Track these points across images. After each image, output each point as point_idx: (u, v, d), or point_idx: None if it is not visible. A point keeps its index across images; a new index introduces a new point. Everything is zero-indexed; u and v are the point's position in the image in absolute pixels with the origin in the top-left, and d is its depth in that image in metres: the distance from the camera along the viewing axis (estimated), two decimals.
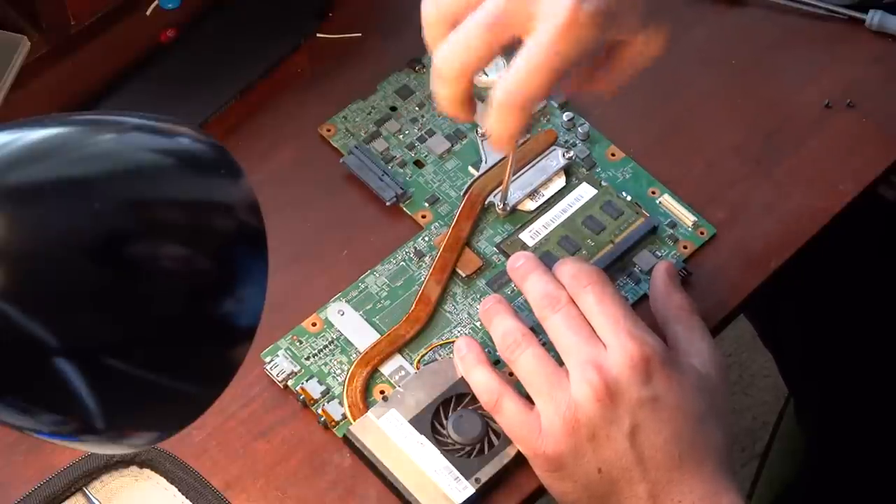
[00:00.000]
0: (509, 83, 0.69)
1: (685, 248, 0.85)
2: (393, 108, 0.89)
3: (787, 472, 1.25)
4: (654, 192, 0.87)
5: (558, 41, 0.68)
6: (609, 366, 0.73)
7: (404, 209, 0.85)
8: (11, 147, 0.52)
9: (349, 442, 0.77)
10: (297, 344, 0.80)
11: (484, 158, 0.86)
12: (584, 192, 0.86)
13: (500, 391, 0.75)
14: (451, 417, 0.77)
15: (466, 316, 0.82)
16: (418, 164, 0.87)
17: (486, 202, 0.85)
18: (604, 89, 0.75)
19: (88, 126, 0.55)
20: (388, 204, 0.85)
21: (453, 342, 0.79)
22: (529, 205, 0.85)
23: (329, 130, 0.88)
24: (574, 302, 0.75)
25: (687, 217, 0.85)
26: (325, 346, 0.80)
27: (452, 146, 0.88)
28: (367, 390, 0.79)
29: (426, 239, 0.84)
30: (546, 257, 0.83)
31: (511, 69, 0.69)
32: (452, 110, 0.73)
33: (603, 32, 0.69)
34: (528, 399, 0.75)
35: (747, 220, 0.86)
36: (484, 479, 0.75)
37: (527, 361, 0.74)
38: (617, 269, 0.83)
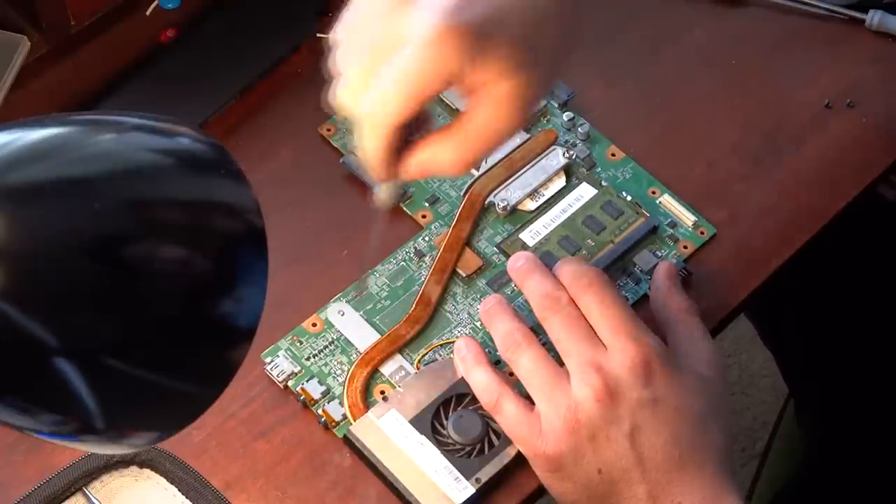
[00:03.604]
0: (368, 101, 0.65)
1: (685, 248, 0.85)
2: None
3: (786, 471, 1.25)
4: (654, 192, 0.87)
5: (418, 58, 0.63)
6: (609, 367, 0.73)
7: (404, 209, 0.85)
8: (11, 147, 0.52)
9: (349, 442, 0.77)
10: (298, 344, 0.80)
11: (484, 158, 0.86)
12: (585, 192, 0.86)
13: (499, 392, 0.75)
14: (451, 417, 0.77)
15: (467, 316, 0.82)
16: None
17: (486, 202, 0.85)
18: (449, 167, 0.68)
19: (88, 126, 0.55)
20: None
21: (453, 342, 0.79)
22: (529, 205, 0.85)
23: (329, 130, 0.88)
24: (574, 303, 0.75)
25: (687, 217, 0.85)
26: (326, 347, 0.80)
27: None
28: (367, 390, 0.79)
29: (426, 239, 0.84)
30: (546, 257, 0.83)
31: (372, 86, 0.65)
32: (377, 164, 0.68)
33: (470, 56, 0.63)
34: (529, 399, 0.75)
35: (747, 220, 0.86)
36: (484, 479, 0.75)
37: (527, 362, 0.74)
38: (617, 269, 0.83)
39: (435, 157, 0.67)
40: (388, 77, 0.65)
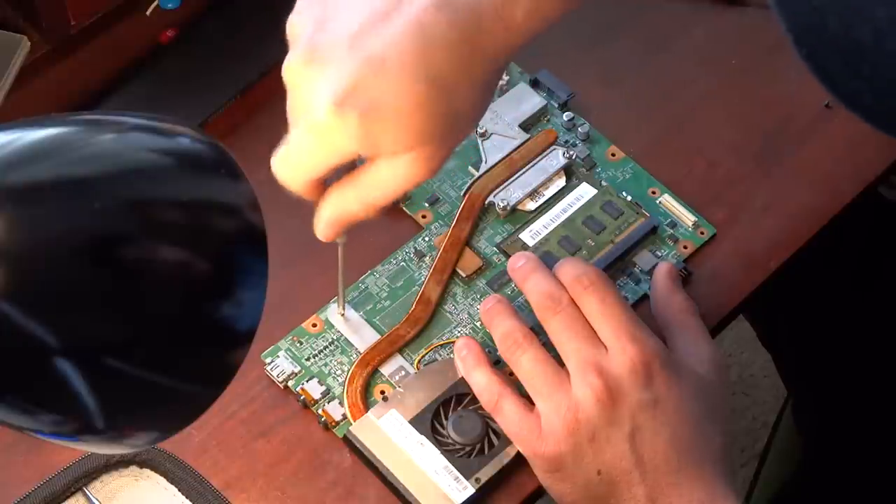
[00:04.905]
0: (274, 159, 0.68)
1: (685, 248, 0.85)
2: None
3: (784, 472, 1.25)
4: (654, 192, 0.87)
5: (308, 140, 0.66)
6: (610, 368, 0.73)
7: (404, 209, 0.85)
8: (11, 147, 0.52)
9: (349, 442, 0.77)
10: (298, 345, 0.80)
11: (484, 158, 0.86)
12: (585, 192, 0.86)
13: (499, 392, 0.75)
14: (451, 417, 0.77)
15: (467, 316, 0.82)
16: None
17: (486, 202, 0.85)
18: (357, 212, 0.70)
19: (88, 126, 0.55)
20: None
21: (453, 342, 0.79)
22: (529, 205, 0.85)
23: None
24: (575, 303, 0.75)
25: (687, 217, 0.85)
26: (326, 347, 0.80)
27: None
28: (367, 390, 0.78)
29: (426, 239, 0.84)
30: (546, 257, 0.83)
31: (281, 146, 0.68)
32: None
33: (360, 142, 0.65)
34: (529, 400, 0.75)
35: (747, 220, 0.86)
36: (484, 480, 0.75)
37: (527, 362, 0.74)
38: (617, 269, 0.83)
39: (343, 209, 0.70)
40: (283, 152, 0.68)
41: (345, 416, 0.78)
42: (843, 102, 0.49)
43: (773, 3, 0.48)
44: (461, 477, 0.75)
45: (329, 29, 0.65)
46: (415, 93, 0.65)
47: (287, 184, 0.69)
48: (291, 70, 0.66)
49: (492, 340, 0.77)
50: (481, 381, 0.76)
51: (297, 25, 0.67)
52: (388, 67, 0.64)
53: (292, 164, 0.68)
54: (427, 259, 0.83)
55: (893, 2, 0.45)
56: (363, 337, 0.80)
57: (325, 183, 0.70)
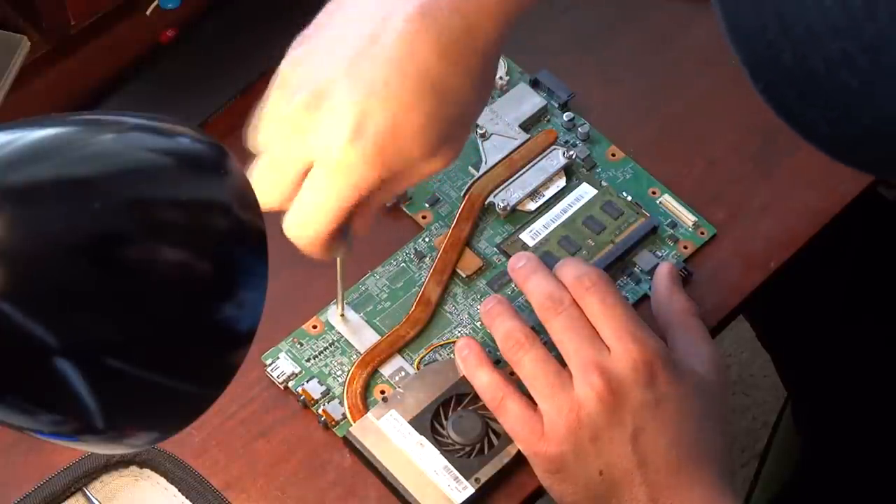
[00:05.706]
0: (291, 222, 0.68)
1: (685, 248, 0.85)
2: None
3: (783, 472, 1.25)
4: (654, 192, 0.87)
5: (329, 182, 0.66)
6: (612, 368, 0.73)
7: (405, 210, 0.85)
8: (11, 147, 0.52)
9: (349, 443, 0.77)
10: (298, 346, 0.80)
11: (484, 159, 0.86)
12: (585, 193, 0.86)
13: (503, 391, 0.75)
14: (451, 418, 0.77)
15: (467, 316, 0.82)
16: None
17: (486, 202, 0.85)
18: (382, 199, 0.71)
19: (88, 126, 0.55)
20: (388, 205, 0.85)
21: (454, 343, 0.79)
22: (530, 205, 0.85)
23: None
24: (577, 304, 0.75)
25: (687, 217, 0.85)
26: (326, 348, 0.80)
27: None
28: (367, 391, 0.78)
29: (426, 240, 0.84)
30: (546, 257, 0.83)
31: (294, 206, 0.68)
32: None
33: (382, 169, 0.66)
34: (532, 400, 0.75)
35: (747, 220, 0.86)
36: (484, 480, 0.75)
37: (529, 363, 0.74)
38: (617, 269, 0.83)
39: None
40: (299, 207, 0.67)
41: (345, 416, 0.78)
42: (800, 133, 0.50)
43: (729, 39, 0.50)
44: (461, 477, 0.75)
45: (324, 68, 0.66)
46: (422, 106, 0.66)
47: (309, 240, 0.68)
48: (295, 118, 0.66)
49: (492, 340, 0.77)
50: (484, 381, 0.76)
51: (291, 76, 0.68)
52: (391, 89, 0.65)
53: (312, 215, 0.68)
54: (427, 260, 0.83)
55: (845, 36, 0.47)
56: (363, 338, 0.80)
57: (343, 237, 0.70)
